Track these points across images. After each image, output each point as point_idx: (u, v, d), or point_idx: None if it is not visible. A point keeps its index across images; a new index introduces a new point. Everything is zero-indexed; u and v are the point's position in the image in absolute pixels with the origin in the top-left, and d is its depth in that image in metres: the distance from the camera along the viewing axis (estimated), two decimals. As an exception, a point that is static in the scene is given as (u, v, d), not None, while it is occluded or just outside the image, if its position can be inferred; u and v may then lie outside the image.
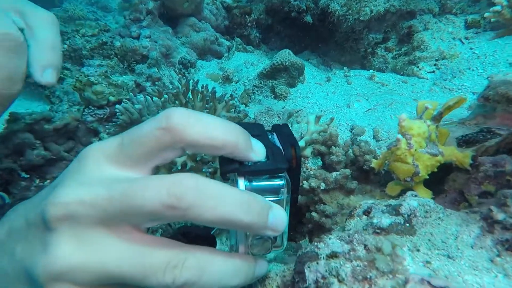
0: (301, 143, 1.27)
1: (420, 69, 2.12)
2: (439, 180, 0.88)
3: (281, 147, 0.37)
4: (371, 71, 2.32)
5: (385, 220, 0.64)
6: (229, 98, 1.07)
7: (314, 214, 0.88)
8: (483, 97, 0.93)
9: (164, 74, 1.52)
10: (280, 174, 0.34)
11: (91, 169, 0.28)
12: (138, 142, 0.28)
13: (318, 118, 1.24)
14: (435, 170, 0.75)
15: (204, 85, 1.08)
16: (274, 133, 0.40)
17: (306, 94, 1.76)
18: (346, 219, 0.74)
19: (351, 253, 0.60)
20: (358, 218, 0.72)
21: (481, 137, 0.81)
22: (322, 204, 0.90)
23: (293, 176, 0.37)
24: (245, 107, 1.67)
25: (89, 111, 1.31)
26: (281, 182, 0.34)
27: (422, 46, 2.22)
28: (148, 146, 0.27)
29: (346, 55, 3.00)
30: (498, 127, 0.85)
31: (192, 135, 0.27)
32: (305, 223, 1.11)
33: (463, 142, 0.84)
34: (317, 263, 0.60)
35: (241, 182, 0.31)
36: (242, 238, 0.35)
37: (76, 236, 0.25)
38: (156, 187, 0.25)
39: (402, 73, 2.26)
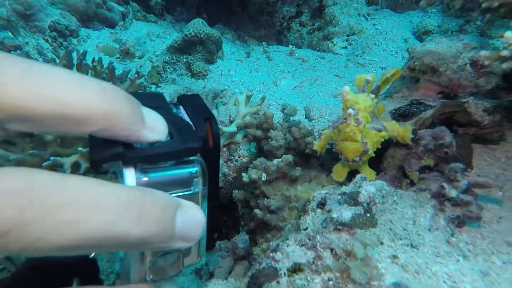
0: (232, 128, 1.13)
1: (334, 45, 2.21)
2: (376, 158, 0.88)
3: (191, 123, 0.28)
4: (290, 46, 2.32)
5: (346, 214, 0.58)
6: (135, 76, 0.84)
7: (257, 211, 0.77)
8: (409, 68, 0.96)
9: (26, 42, 1.11)
10: (191, 158, 0.25)
11: None
12: None
13: (248, 97, 1.11)
14: (379, 146, 0.73)
15: (96, 59, 0.81)
16: (181, 107, 0.30)
17: (228, 72, 1.61)
18: (301, 216, 0.65)
19: (318, 262, 0.51)
20: (313, 213, 0.65)
21: (414, 109, 0.83)
22: (265, 198, 0.80)
23: (210, 160, 0.28)
24: (156, 87, 1.42)
25: None
26: (194, 169, 0.25)
27: (334, 21, 2.31)
28: None
29: (261, 30, 2.94)
30: (425, 98, 0.90)
31: (16, 97, 0.17)
32: (243, 219, 1.00)
33: (398, 115, 0.85)
34: (278, 282, 0.49)
35: (130, 175, 0.22)
36: (134, 261, 0.24)
37: None
38: None
39: (318, 48, 2.33)
